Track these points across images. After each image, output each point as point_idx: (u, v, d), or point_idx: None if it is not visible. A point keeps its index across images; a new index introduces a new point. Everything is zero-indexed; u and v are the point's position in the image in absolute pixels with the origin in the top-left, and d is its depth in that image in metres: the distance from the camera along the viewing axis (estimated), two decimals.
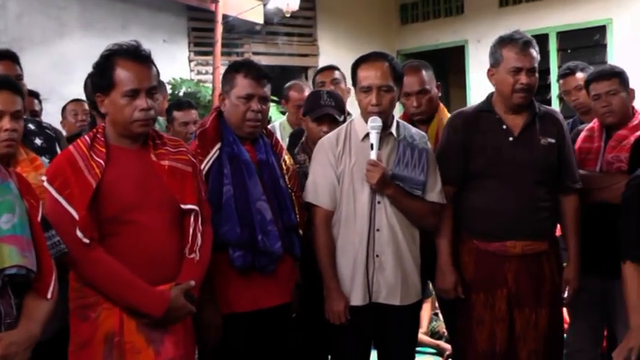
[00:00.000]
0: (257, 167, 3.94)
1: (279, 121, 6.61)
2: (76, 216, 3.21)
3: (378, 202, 3.99)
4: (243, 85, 3.91)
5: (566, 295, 4.33)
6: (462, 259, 4.26)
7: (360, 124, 4.07)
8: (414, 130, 4.20)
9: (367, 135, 3.98)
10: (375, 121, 3.91)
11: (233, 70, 3.99)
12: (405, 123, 4.25)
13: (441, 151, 4.29)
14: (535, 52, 4.17)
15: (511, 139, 4.17)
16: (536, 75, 4.18)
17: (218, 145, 3.90)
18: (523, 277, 4.14)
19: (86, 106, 6.75)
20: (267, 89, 3.99)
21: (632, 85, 4.52)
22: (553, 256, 4.27)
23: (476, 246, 4.22)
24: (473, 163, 4.21)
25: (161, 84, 6.82)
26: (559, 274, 4.27)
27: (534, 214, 4.15)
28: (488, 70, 4.28)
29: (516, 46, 4.11)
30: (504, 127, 4.20)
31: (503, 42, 4.18)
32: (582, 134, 4.61)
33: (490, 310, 4.16)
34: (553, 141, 4.20)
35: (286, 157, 4.18)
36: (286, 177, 4.07)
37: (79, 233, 3.18)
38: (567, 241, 4.33)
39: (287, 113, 6.59)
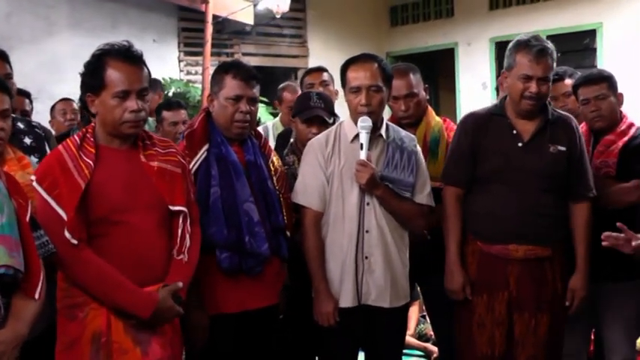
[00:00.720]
0: (245, 168, 3.94)
1: (272, 122, 6.60)
2: (65, 217, 3.19)
3: (367, 204, 3.99)
4: (231, 86, 3.90)
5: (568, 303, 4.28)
6: (465, 260, 4.24)
7: (350, 126, 4.07)
8: (403, 132, 4.20)
9: (357, 136, 3.98)
10: (365, 121, 3.91)
11: (222, 71, 3.98)
12: (395, 125, 4.25)
13: (452, 153, 4.30)
14: (550, 60, 4.06)
15: (520, 144, 4.14)
16: (549, 84, 4.11)
17: (206, 147, 3.90)
18: (524, 281, 4.11)
19: (75, 106, 6.74)
20: (256, 90, 3.98)
21: (621, 90, 4.51)
22: (557, 263, 4.20)
23: (479, 247, 4.20)
24: (481, 166, 4.19)
25: (156, 82, 6.83)
26: (562, 281, 4.20)
27: (538, 220, 4.11)
28: (502, 73, 4.24)
29: (530, 53, 4.03)
30: (514, 132, 4.16)
31: (519, 46, 4.10)
32: None
33: (491, 313, 4.15)
34: (563, 149, 4.15)
35: (274, 158, 4.18)
36: (274, 178, 4.07)
37: (67, 234, 3.17)
38: (576, 249, 4.23)
39: (280, 114, 6.58)
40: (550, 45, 4.13)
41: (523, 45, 4.09)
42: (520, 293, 4.12)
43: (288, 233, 4.08)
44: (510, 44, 4.19)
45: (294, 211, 4.15)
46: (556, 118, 4.22)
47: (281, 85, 6.56)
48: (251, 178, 3.94)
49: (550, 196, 4.14)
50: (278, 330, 4.16)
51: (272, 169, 4.09)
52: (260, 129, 6.17)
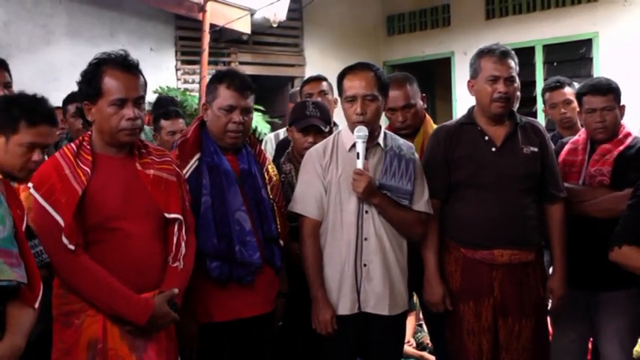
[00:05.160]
0: (239, 177, 3.94)
1: (273, 134, 6.56)
2: (62, 222, 3.21)
3: (366, 212, 4.00)
4: (225, 96, 3.89)
5: (550, 304, 4.34)
6: (447, 269, 4.27)
7: (347, 135, 4.08)
8: (401, 140, 4.21)
9: (354, 145, 3.98)
10: (361, 131, 3.93)
11: (216, 80, 3.97)
12: (393, 134, 4.26)
13: (425, 165, 4.30)
14: (513, 63, 4.18)
15: (494, 149, 4.20)
16: (515, 85, 4.20)
17: (197, 156, 3.90)
18: (508, 286, 4.15)
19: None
20: (250, 100, 3.96)
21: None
22: (538, 268, 4.29)
23: (462, 254, 4.22)
24: (457, 174, 4.23)
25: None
26: (543, 286, 4.28)
27: (522, 223, 4.17)
28: (468, 82, 4.31)
29: (494, 56, 4.15)
30: (486, 138, 4.23)
31: (482, 53, 4.22)
32: (567, 147, 4.61)
33: (478, 320, 4.17)
34: (536, 150, 4.23)
35: (269, 167, 4.18)
36: (268, 187, 4.07)
37: (64, 239, 3.19)
38: (553, 250, 4.34)
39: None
40: (512, 50, 4.24)
41: (486, 51, 4.21)
42: (504, 298, 4.16)
43: (281, 242, 4.08)
44: (474, 54, 4.29)
45: (289, 220, 4.16)
46: (524, 122, 4.31)
47: (294, 90, 6.57)
48: (244, 186, 3.94)
49: (528, 197, 4.22)
50: (276, 338, 4.16)
51: (266, 177, 4.09)
52: (271, 136, 6.19)
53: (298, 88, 6.56)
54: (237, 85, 3.90)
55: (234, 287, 3.84)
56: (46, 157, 3.56)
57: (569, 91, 5.45)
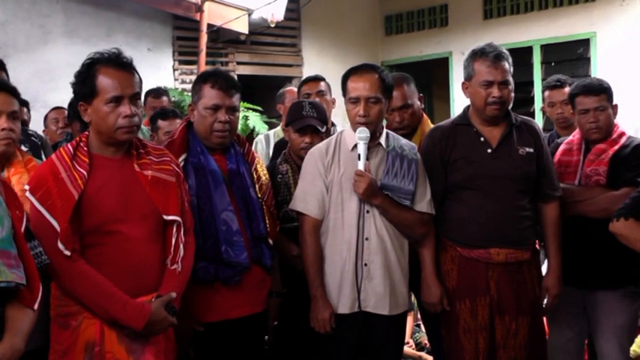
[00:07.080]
0: (227, 177, 3.94)
1: (273, 131, 6.55)
2: (58, 227, 3.19)
3: (367, 212, 4.01)
4: (210, 95, 3.91)
5: (545, 302, 4.34)
6: (443, 268, 4.27)
7: (350, 135, 4.09)
8: (403, 140, 4.22)
9: (356, 145, 3.99)
10: (363, 132, 3.93)
11: (201, 80, 3.99)
12: (394, 134, 4.27)
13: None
14: (507, 65, 4.16)
15: (489, 150, 4.20)
16: (510, 87, 4.18)
17: (183, 156, 3.90)
18: (504, 285, 4.15)
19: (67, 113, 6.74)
20: (236, 99, 3.97)
21: (614, 98, 4.51)
22: (534, 267, 4.30)
23: (459, 253, 4.22)
24: (454, 176, 4.23)
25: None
26: (539, 285, 4.29)
27: (518, 223, 4.17)
28: (463, 84, 4.31)
29: (488, 60, 4.12)
30: (482, 139, 4.23)
31: (475, 55, 4.19)
32: (562, 147, 4.63)
33: (474, 319, 4.17)
34: (531, 150, 4.23)
35: (258, 166, 4.18)
36: (257, 186, 4.06)
37: (60, 245, 3.17)
38: (548, 248, 4.34)
39: (282, 123, 6.57)
40: (505, 50, 4.21)
41: (479, 53, 4.18)
42: (500, 297, 4.16)
43: (270, 241, 4.07)
44: (467, 55, 4.27)
45: (285, 221, 4.18)
46: (520, 122, 4.30)
47: (282, 90, 6.53)
48: (232, 186, 3.94)
49: (524, 198, 4.22)
50: (272, 338, 4.16)
51: (255, 176, 4.09)
52: (261, 137, 6.18)
53: (285, 89, 6.56)
54: (222, 84, 3.91)
55: (221, 288, 3.84)
56: (14, 126, 3.59)
57: (567, 91, 5.44)
